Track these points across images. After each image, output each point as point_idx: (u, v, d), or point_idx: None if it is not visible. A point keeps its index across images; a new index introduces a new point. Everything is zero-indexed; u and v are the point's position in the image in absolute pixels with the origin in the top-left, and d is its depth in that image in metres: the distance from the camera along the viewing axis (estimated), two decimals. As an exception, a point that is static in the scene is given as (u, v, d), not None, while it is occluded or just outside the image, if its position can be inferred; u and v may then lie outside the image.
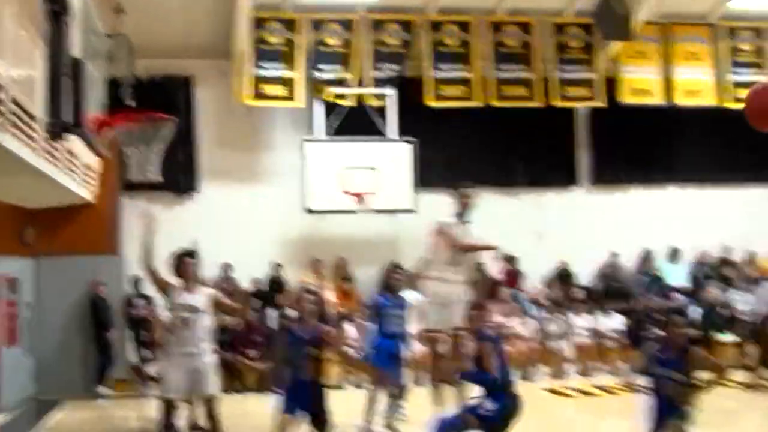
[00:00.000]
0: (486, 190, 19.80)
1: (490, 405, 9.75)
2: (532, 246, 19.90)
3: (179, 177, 19.26)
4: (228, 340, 16.41)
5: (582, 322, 18.17)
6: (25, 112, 10.53)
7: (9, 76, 9.70)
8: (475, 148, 20.25)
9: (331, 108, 19.16)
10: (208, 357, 10.06)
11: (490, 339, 10.03)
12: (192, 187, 19.65)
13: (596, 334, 18.08)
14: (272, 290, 18.61)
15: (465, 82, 19.38)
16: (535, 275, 19.85)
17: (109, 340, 16.85)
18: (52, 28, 8.90)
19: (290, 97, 18.94)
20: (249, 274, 18.82)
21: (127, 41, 16.44)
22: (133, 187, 17.45)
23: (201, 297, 10.02)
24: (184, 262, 10.10)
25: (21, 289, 16.68)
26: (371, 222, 19.25)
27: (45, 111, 9.56)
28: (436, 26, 19.31)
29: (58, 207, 16.80)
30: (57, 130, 9.00)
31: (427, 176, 19.25)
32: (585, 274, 20.18)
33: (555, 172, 20.86)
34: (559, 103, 19.74)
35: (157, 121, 10.34)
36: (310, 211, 18.83)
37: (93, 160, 16.14)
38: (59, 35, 8.99)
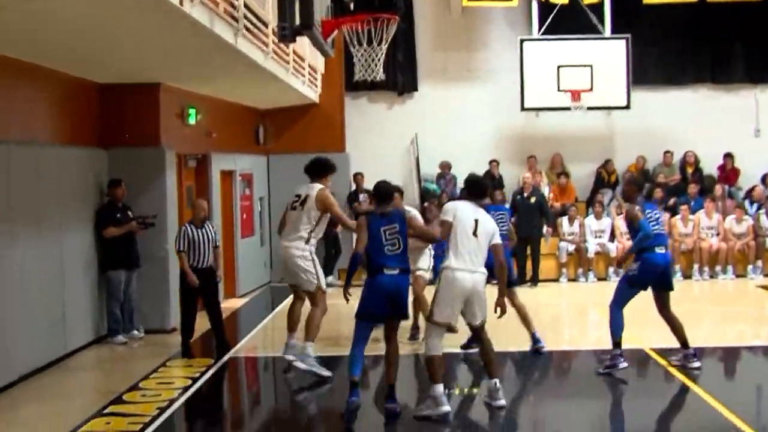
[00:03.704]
0: (702, 86, 19.96)
1: None
2: (749, 143, 19.76)
3: (399, 77, 19.97)
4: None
5: (797, 218, 18.05)
6: (258, 18, 11.37)
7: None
8: (690, 44, 20.00)
9: (545, 7, 19.21)
10: None
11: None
12: (411, 87, 20.19)
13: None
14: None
15: (682, -23, 19.04)
16: (752, 172, 19.46)
17: (335, 233, 17.37)
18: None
19: (505, -3, 19.18)
20: (467, 170, 19.17)
21: (350, -55, 17.36)
22: (357, 87, 18.41)
23: None
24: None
25: (255, 185, 17.84)
26: (586, 119, 19.36)
27: (276, 16, 10.13)
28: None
29: (286, 107, 17.98)
30: (287, 32, 9.44)
31: (641, 74, 19.17)
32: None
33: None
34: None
35: (380, 21, 10.87)
36: (526, 109, 19.15)
37: (318, 63, 17.03)
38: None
